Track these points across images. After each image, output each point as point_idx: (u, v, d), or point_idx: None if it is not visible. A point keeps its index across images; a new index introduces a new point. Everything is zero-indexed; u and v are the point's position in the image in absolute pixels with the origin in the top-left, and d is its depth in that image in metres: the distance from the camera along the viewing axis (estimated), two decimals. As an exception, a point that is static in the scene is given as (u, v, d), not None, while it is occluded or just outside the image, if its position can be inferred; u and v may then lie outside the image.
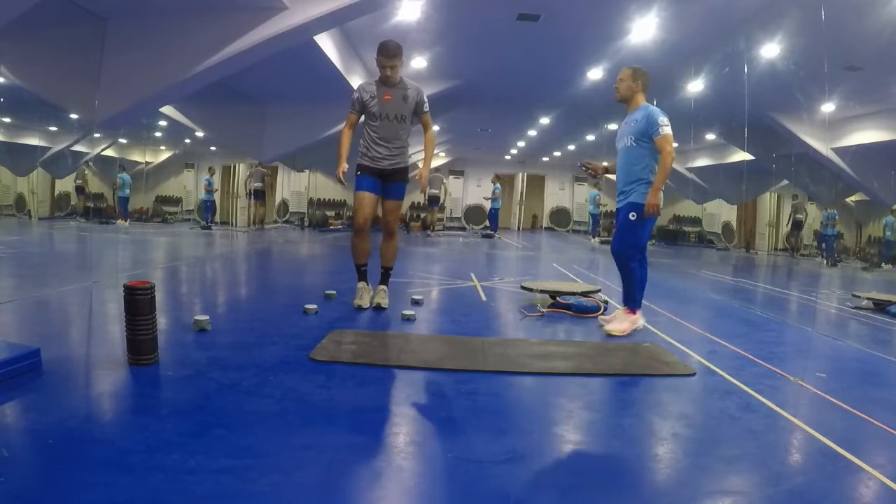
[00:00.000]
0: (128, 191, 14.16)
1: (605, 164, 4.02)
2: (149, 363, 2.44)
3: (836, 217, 13.26)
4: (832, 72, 7.40)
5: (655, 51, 7.04)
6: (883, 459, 1.88)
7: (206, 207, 14.39)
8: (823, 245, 13.29)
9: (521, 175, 20.33)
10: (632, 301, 3.63)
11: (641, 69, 3.72)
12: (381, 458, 1.78)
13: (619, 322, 3.60)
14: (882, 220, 12.64)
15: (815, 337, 4.06)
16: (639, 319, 3.63)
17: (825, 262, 12.55)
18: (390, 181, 3.95)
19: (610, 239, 16.60)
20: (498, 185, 15.64)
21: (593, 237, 15.65)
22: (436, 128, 14.30)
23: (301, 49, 6.65)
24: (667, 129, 3.48)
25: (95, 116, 6.28)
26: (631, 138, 3.61)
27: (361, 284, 4.05)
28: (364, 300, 3.97)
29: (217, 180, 14.56)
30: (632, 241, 3.61)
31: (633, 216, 3.52)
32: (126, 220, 13.87)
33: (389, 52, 3.73)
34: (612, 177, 3.90)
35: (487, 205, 16.08)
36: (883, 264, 11.84)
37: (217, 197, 15.25)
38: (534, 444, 1.91)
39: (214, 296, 4.84)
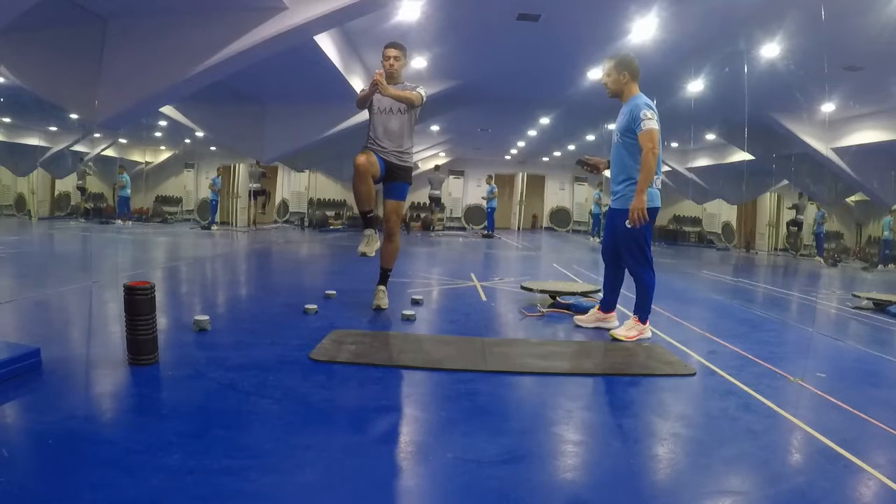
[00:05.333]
0: (128, 190, 14.19)
1: (606, 160, 3.72)
2: (149, 363, 2.44)
3: (825, 215, 13.35)
4: (832, 72, 7.39)
5: (655, 51, 7.03)
6: (883, 459, 1.88)
7: (212, 207, 14.40)
8: (817, 243, 13.40)
9: (521, 175, 20.33)
10: (642, 310, 3.44)
11: (624, 56, 3.44)
12: (380, 459, 1.78)
13: (628, 329, 3.44)
14: (881, 220, 12.67)
15: (815, 337, 4.06)
16: (647, 331, 3.45)
17: (821, 260, 12.60)
18: (393, 180, 3.96)
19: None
20: (493, 185, 15.74)
21: (593, 237, 15.68)
22: (434, 130, 14.33)
23: (301, 49, 6.65)
24: (650, 123, 3.20)
25: (95, 116, 6.28)
26: (617, 134, 3.40)
27: (369, 231, 3.83)
28: (371, 248, 3.80)
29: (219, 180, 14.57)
30: (631, 247, 3.42)
31: (629, 224, 3.29)
32: (127, 220, 13.90)
33: (393, 44, 3.90)
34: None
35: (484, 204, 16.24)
36: (880, 265, 11.83)
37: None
38: (534, 444, 1.91)
39: (214, 296, 4.84)
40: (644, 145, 3.22)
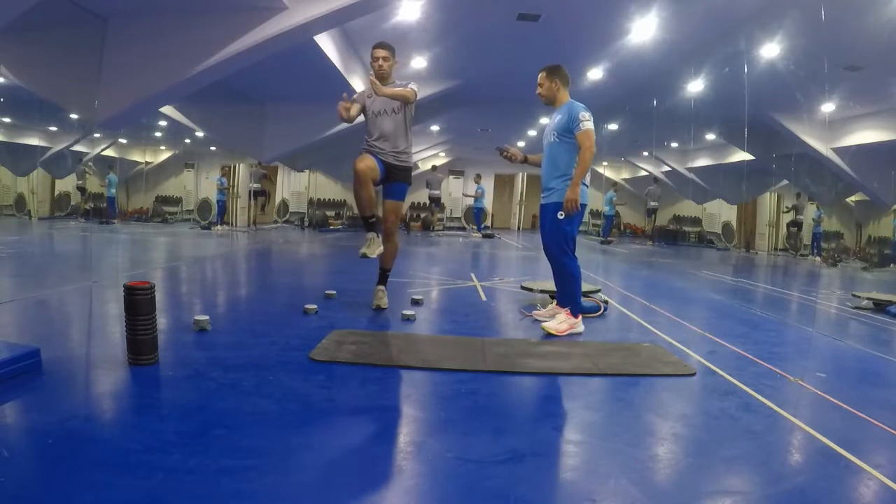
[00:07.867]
0: (113, 190, 14.20)
1: (527, 156, 4.00)
2: (149, 363, 2.44)
3: (822, 215, 13.37)
4: (832, 72, 7.39)
5: (655, 51, 7.03)
6: (883, 459, 1.88)
7: (220, 207, 14.36)
8: (815, 243, 13.40)
9: (521, 175, 20.30)
10: (571, 302, 3.57)
11: (554, 66, 3.75)
12: (380, 458, 1.78)
13: (559, 322, 3.52)
14: (881, 220, 12.65)
15: (815, 337, 4.06)
16: (579, 325, 3.56)
17: (817, 259, 12.61)
18: (392, 180, 3.96)
19: (611, 239, 16.58)
20: (481, 184, 15.82)
21: (604, 238, 15.62)
22: (434, 130, 14.32)
23: (301, 49, 6.65)
24: (587, 125, 3.47)
25: (95, 116, 6.27)
26: (554, 134, 3.62)
27: (371, 235, 3.81)
28: (372, 250, 3.77)
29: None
30: (560, 240, 3.60)
31: (561, 215, 3.53)
32: (114, 220, 13.92)
33: (380, 44, 3.90)
34: (537, 170, 3.93)
35: (470, 202, 16.34)
36: (893, 264, 11.81)
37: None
38: (534, 444, 1.91)
39: (214, 296, 4.84)
40: (583, 143, 3.47)
